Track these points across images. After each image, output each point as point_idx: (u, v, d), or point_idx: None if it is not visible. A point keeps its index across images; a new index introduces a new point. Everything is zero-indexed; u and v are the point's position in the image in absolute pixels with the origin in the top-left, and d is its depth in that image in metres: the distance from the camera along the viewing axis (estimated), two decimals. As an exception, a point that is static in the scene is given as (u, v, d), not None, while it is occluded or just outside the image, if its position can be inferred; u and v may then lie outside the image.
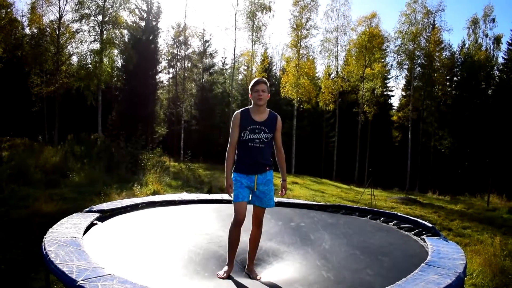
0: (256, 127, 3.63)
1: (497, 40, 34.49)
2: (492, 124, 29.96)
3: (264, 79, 3.75)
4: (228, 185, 3.69)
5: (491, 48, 34.66)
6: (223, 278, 3.50)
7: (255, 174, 3.65)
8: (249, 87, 3.74)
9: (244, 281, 3.56)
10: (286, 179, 3.93)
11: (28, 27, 28.33)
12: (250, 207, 3.73)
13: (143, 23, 30.20)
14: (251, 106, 3.75)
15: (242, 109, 3.77)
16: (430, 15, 30.62)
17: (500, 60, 35.19)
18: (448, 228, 11.17)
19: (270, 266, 3.93)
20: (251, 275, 3.68)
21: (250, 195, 3.72)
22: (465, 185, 24.16)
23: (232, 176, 3.72)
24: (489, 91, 33.70)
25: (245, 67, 34.60)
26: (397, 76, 37.36)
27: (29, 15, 27.84)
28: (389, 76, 37.13)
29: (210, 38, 35.89)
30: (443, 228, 11.00)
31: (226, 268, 3.62)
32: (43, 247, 3.38)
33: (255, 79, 3.72)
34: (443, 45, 33.01)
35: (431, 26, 31.39)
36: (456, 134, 31.42)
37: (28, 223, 6.80)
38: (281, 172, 3.90)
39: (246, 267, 3.79)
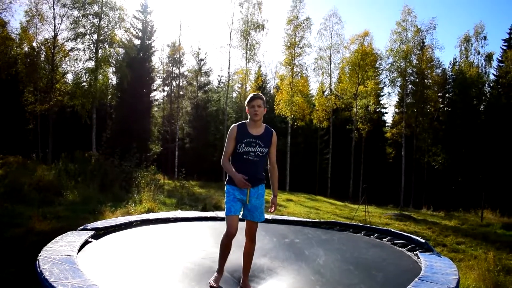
0: (251, 140, 3.69)
1: (489, 57, 35.03)
2: (484, 140, 30.20)
3: (260, 94, 3.82)
4: (240, 177, 3.61)
5: (483, 65, 35.17)
6: (213, 286, 3.58)
7: (248, 187, 3.69)
8: (246, 102, 3.81)
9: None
10: (277, 195, 3.95)
11: (18, 47, 28.38)
12: (242, 223, 3.77)
13: (138, 42, 30.42)
14: (248, 120, 3.81)
15: (239, 122, 3.84)
16: (420, 33, 31.08)
17: (491, 77, 35.72)
18: (442, 244, 11.20)
19: (264, 282, 3.94)
20: None
21: (242, 209, 3.77)
22: (459, 201, 24.24)
23: (226, 188, 3.77)
24: (481, 107, 34.08)
25: (239, 85, 34.84)
26: (390, 93, 37.70)
27: (24, 35, 27.96)
28: (382, 93, 37.50)
29: (205, 57, 36.18)
30: (438, 244, 11.03)
31: (216, 274, 3.73)
32: (38, 265, 3.37)
33: (251, 95, 3.79)
34: (434, 63, 33.47)
35: (421, 44, 31.85)
36: (449, 150, 31.62)
37: (21, 241, 6.77)
38: (272, 188, 3.93)
39: (240, 281, 3.81)
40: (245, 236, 3.81)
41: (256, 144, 3.69)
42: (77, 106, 24.88)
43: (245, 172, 3.66)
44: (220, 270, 3.75)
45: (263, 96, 3.84)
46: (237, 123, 3.83)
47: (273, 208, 3.92)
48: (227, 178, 3.79)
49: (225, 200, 3.75)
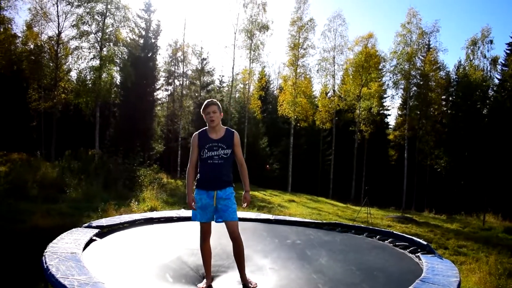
0: (213, 144, 3.82)
1: (494, 61, 34.87)
2: (487, 144, 30.15)
3: (214, 100, 3.95)
4: (190, 201, 3.83)
5: (488, 69, 35.03)
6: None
7: (215, 190, 3.80)
8: (201, 109, 3.93)
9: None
10: (249, 190, 4.04)
11: (22, 44, 28.53)
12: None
13: (141, 41, 30.48)
14: (207, 126, 3.92)
15: (200, 130, 3.97)
16: (425, 36, 31.06)
17: (496, 80, 35.63)
18: (444, 247, 11.21)
19: (266, 280, 3.98)
20: (247, 284, 3.77)
21: (213, 214, 3.84)
22: (461, 204, 24.20)
23: (194, 193, 3.88)
24: (484, 111, 34.01)
25: (242, 86, 34.83)
26: (393, 95, 37.62)
27: (29, 32, 28.07)
28: (385, 96, 37.49)
29: (207, 56, 36.22)
30: (439, 247, 11.04)
31: (205, 280, 3.84)
32: (44, 261, 3.42)
33: (206, 102, 3.92)
34: (438, 65, 33.44)
35: (426, 46, 31.81)
36: (452, 153, 31.57)
37: (25, 238, 6.81)
38: (244, 184, 4.02)
39: (240, 280, 3.85)
40: (230, 239, 3.86)
41: (218, 148, 3.82)
42: (81, 104, 24.90)
43: (211, 175, 3.80)
44: (208, 275, 3.88)
45: (218, 102, 3.95)
46: (198, 131, 3.97)
47: (245, 204, 4.02)
48: (195, 183, 3.91)
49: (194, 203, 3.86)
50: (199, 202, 3.82)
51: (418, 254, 4.80)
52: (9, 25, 26.72)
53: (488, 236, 13.67)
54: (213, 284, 3.85)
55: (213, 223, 3.90)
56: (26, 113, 27.97)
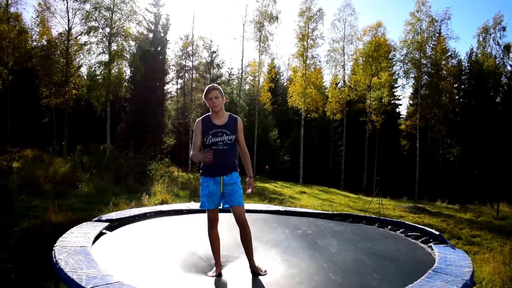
0: (217, 130, 3.78)
1: (507, 48, 34.30)
2: (500, 132, 29.74)
3: (215, 85, 3.89)
4: (204, 155, 3.67)
5: (501, 56, 34.46)
6: (210, 276, 3.71)
7: (221, 175, 3.79)
8: (203, 95, 3.89)
9: (250, 280, 3.65)
10: (252, 176, 4.04)
11: (38, 40, 28.73)
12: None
13: (151, 35, 30.49)
14: (211, 112, 3.89)
15: (203, 116, 3.92)
16: (435, 24, 30.66)
17: (509, 68, 35.08)
18: (457, 237, 11.10)
19: (277, 267, 3.97)
20: (256, 271, 3.77)
21: (220, 200, 3.86)
22: (474, 194, 23.92)
23: (200, 180, 3.90)
24: (498, 98, 33.54)
25: (252, 78, 34.72)
26: (404, 85, 37.15)
27: (38, 29, 28.21)
28: (396, 85, 37.14)
29: (217, 49, 36.10)
30: (452, 237, 10.94)
31: (214, 268, 3.83)
32: (53, 255, 3.43)
33: (207, 87, 3.87)
34: (449, 53, 33.02)
35: (436, 34, 31.40)
36: (465, 142, 31.22)
37: (37, 233, 6.87)
38: (246, 170, 4.02)
39: (249, 266, 3.84)
40: (236, 224, 3.84)
41: (222, 133, 3.79)
42: (92, 99, 25.05)
43: (216, 162, 3.74)
44: (217, 263, 3.86)
45: (219, 87, 3.90)
46: (201, 117, 3.91)
47: (250, 189, 4.03)
48: (201, 171, 3.90)
49: (200, 192, 3.88)
50: (206, 189, 3.81)
51: (430, 244, 4.73)
52: (19, 22, 26.94)
53: (502, 225, 13.50)
54: (223, 271, 3.84)
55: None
56: (37, 109, 28.24)
